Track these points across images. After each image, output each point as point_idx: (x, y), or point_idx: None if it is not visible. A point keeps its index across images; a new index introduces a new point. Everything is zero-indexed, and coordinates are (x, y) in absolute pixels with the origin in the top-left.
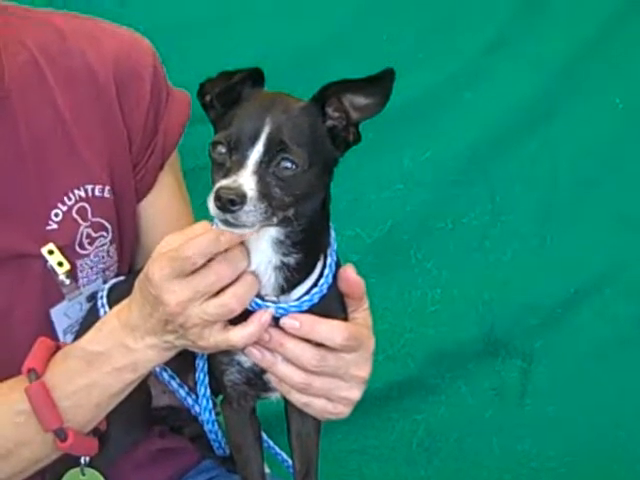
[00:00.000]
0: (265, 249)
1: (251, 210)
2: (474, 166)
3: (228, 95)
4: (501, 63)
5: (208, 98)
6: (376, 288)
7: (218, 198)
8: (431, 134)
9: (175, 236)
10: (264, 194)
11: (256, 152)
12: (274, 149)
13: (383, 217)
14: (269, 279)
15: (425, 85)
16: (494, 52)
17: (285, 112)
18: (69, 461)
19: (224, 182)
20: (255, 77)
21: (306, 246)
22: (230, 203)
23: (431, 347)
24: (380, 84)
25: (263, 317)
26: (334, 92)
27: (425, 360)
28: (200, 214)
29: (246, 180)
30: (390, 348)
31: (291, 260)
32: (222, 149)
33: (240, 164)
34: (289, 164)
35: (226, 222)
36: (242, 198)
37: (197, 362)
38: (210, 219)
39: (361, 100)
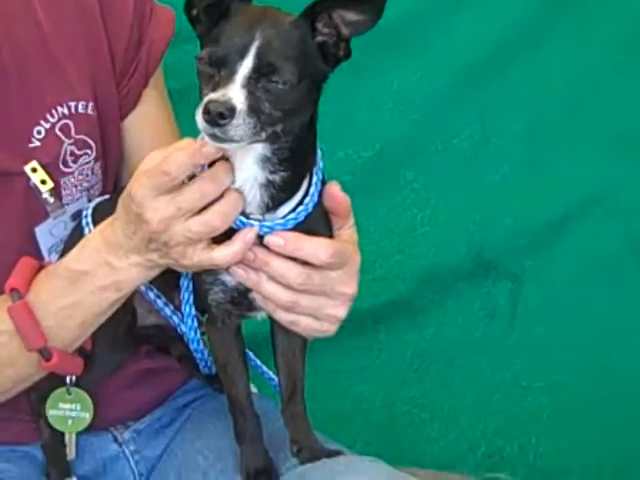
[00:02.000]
0: (251, 166)
1: (240, 124)
2: (465, 87)
3: (216, 9)
4: None
5: (195, 12)
6: (365, 209)
7: (207, 111)
8: (421, 55)
9: (158, 153)
10: (253, 108)
11: (245, 67)
12: (263, 64)
13: (373, 138)
14: (254, 197)
15: (416, 5)
16: None
17: (275, 27)
18: (55, 381)
19: (213, 95)
20: None
21: (293, 163)
22: (219, 116)
23: (420, 268)
24: (372, 1)
25: (247, 235)
26: (325, 7)
27: (414, 281)
28: (187, 134)
29: (235, 94)
30: (379, 269)
31: (277, 178)
32: (210, 64)
33: (229, 78)
34: (278, 79)
35: (214, 137)
36: (231, 111)
37: (182, 281)
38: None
39: (352, 16)
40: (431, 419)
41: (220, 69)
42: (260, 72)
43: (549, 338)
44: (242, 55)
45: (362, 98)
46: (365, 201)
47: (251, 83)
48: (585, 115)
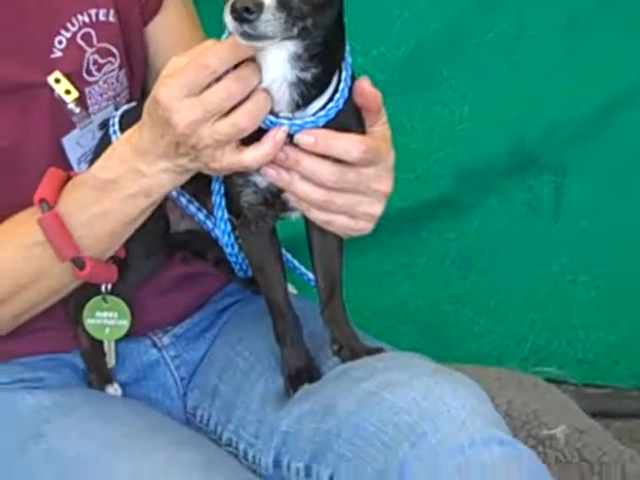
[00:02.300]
0: (282, 64)
1: (269, 19)
2: None
3: None
4: None
5: None
6: (402, 107)
7: (234, 9)
8: None
9: (181, 57)
10: (282, 3)
11: None
12: None
13: (407, 35)
14: (283, 95)
15: None
16: None
17: None
18: (91, 290)
19: None
20: None
21: (323, 59)
22: (247, 12)
23: (460, 165)
24: None
25: (277, 135)
26: None
27: (455, 178)
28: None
29: None
30: (419, 167)
31: (307, 75)
32: None
33: None
34: None
35: (245, 35)
36: (259, 6)
37: (213, 185)
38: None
39: None
40: (477, 316)
41: None
42: None
43: (594, 231)
44: None
45: None
46: (401, 99)
47: None
48: (625, 3)
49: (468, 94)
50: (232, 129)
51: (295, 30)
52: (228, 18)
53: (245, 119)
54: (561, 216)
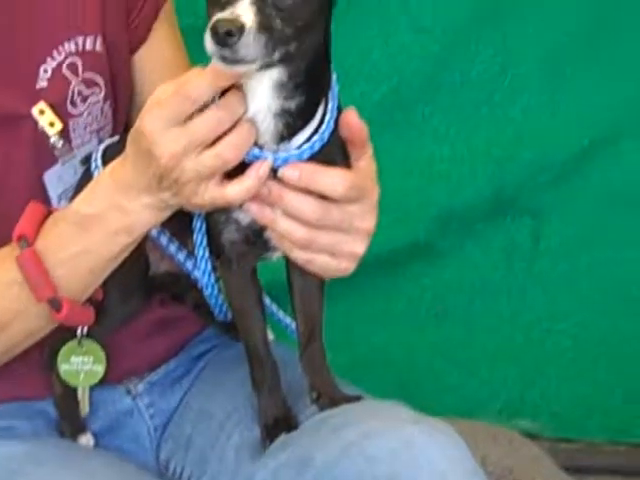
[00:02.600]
0: (265, 93)
1: (250, 42)
2: (482, 18)
3: None
4: None
5: None
6: (383, 147)
7: (214, 31)
8: None
9: (167, 85)
10: (264, 25)
11: None
12: None
13: (389, 73)
14: (268, 126)
15: None
16: None
17: None
18: (66, 334)
19: (220, 15)
20: None
21: (308, 88)
22: (227, 35)
23: (438, 208)
24: None
25: (261, 169)
26: None
27: (433, 221)
28: None
29: (244, 11)
30: (397, 209)
31: (292, 105)
32: None
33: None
34: None
35: (225, 59)
36: (240, 29)
37: (195, 222)
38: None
39: None
40: (451, 365)
41: None
42: None
43: (571, 277)
44: None
45: (378, 32)
46: (382, 138)
47: (261, 1)
48: (608, 41)
49: (448, 134)
50: (216, 161)
51: (277, 55)
52: (208, 41)
53: (229, 151)
54: (538, 261)
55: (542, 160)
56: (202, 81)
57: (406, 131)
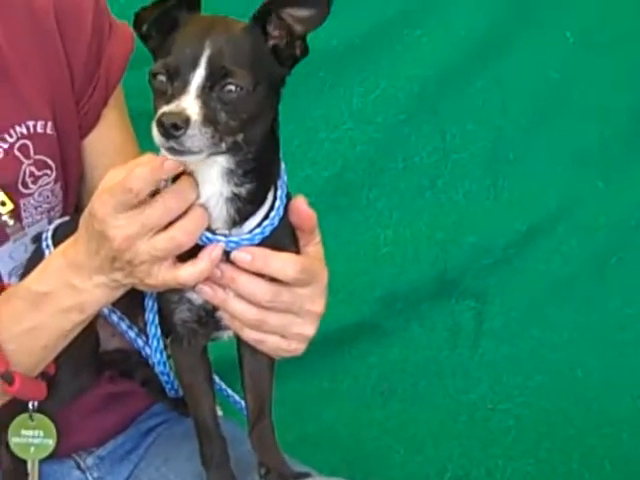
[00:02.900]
0: (215, 180)
1: (196, 134)
2: (424, 104)
3: (163, 21)
4: None
5: (145, 28)
6: (328, 230)
7: (161, 124)
8: (380, 72)
9: (119, 170)
10: (209, 118)
11: (198, 76)
12: (216, 72)
13: (334, 158)
14: (220, 211)
15: (373, 22)
16: None
17: (225, 34)
18: (17, 407)
19: (166, 108)
20: (190, 2)
21: (257, 175)
22: (173, 128)
23: (384, 289)
24: None
25: (214, 252)
26: (273, 9)
27: (378, 302)
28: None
29: (189, 104)
30: (343, 290)
31: (242, 191)
32: (162, 77)
33: (182, 90)
34: (233, 87)
35: (172, 150)
36: (185, 122)
37: (146, 301)
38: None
39: (302, 12)
40: (397, 443)
41: (173, 81)
42: (213, 80)
43: (514, 358)
44: (194, 65)
45: (322, 117)
46: (327, 221)
47: (205, 92)
48: (547, 130)
49: (392, 218)
50: (169, 244)
51: (223, 145)
52: (155, 132)
53: (183, 235)
54: (481, 343)
55: (484, 244)
56: (143, 175)
57: (350, 214)
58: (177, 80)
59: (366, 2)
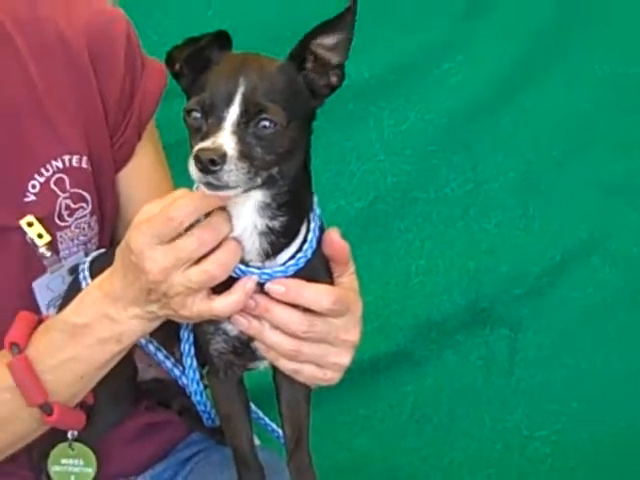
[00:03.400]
0: (250, 213)
1: (232, 169)
2: (455, 135)
3: (196, 60)
4: (479, 31)
5: (177, 66)
6: (360, 260)
7: (198, 160)
8: (410, 104)
9: (154, 204)
10: (244, 153)
11: (232, 113)
12: (251, 108)
13: (365, 189)
14: (253, 244)
15: (403, 55)
16: (471, 20)
17: (258, 70)
18: (57, 436)
19: (203, 144)
20: (222, 40)
21: (291, 209)
22: (211, 163)
23: (417, 318)
24: (342, 17)
25: (247, 284)
26: (306, 44)
27: (412, 331)
28: (182, 187)
29: (225, 140)
30: (376, 320)
31: (276, 224)
32: (197, 114)
33: (217, 126)
34: (267, 122)
35: (209, 185)
36: (222, 157)
37: (182, 333)
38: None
39: (331, 39)
40: (433, 471)
41: (208, 118)
42: (248, 117)
43: (549, 386)
44: (228, 102)
45: (353, 149)
46: (360, 252)
47: (240, 128)
48: (577, 160)
49: (424, 248)
50: (203, 277)
51: (259, 179)
52: (192, 168)
53: (216, 267)
54: (515, 371)
55: (517, 273)
56: (187, 205)
57: (382, 244)
58: (212, 117)
59: (397, 36)
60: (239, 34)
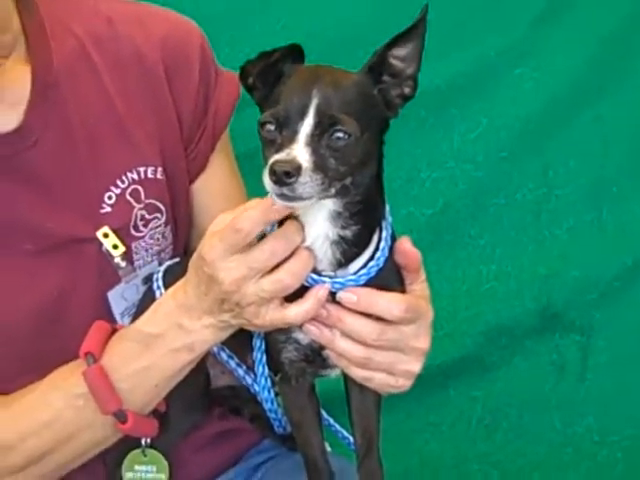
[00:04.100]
0: (322, 223)
1: (307, 181)
2: (526, 141)
3: (269, 74)
4: (552, 37)
5: (251, 80)
6: (431, 266)
7: (273, 172)
8: (481, 111)
9: (227, 215)
10: (318, 165)
11: (306, 125)
12: (324, 121)
13: (436, 195)
14: (325, 253)
15: (474, 61)
16: (543, 25)
17: (332, 83)
18: (130, 443)
19: (278, 156)
20: (294, 53)
21: (363, 218)
22: (286, 175)
23: (488, 324)
24: (415, 28)
25: (319, 293)
26: (382, 56)
27: (482, 337)
28: (254, 196)
29: (300, 152)
30: (447, 325)
31: (348, 233)
32: (271, 127)
33: (292, 138)
34: (341, 134)
35: (283, 196)
36: (297, 170)
37: (254, 341)
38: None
39: (403, 50)
40: (503, 476)
41: (282, 130)
42: (322, 129)
43: (621, 391)
44: (302, 114)
45: (423, 156)
46: (430, 258)
47: (314, 140)
48: None
49: (495, 253)
50: (276, 286)
51: (333, 190)
52: (267, 180)
53: (289, 277)
54: (587, 376)
55: (588, 278)
56: (253, 217)
57: (453, 251)
58: (286, 129)
59: (469, 42)
60: (308, 46)
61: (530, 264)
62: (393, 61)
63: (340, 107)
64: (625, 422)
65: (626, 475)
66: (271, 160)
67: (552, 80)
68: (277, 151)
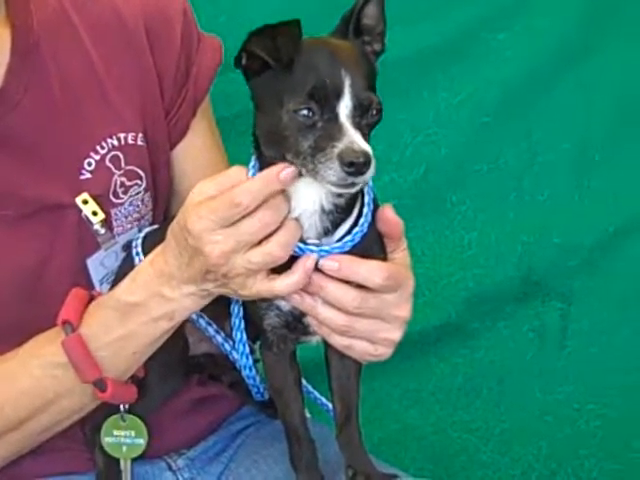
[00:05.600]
0: (315, 194)
1: (372, 169)
2: (509, 107)
3: (280, 51)
4: (535, 1)
5: (246, 57)
6: (412, 233)
7: (351, 164)
8: (464, 76)
9: (208, 182)
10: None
11: (346, 108)
12: (362, 102)
13: (418, 161)
14: (314, 223)
15: (458, 26)
16: None
17: (350, 58)
18: (109, 409)
19: (343, 145)
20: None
21: None
22: (365, 166)
23: (469, 291)
24: None
25: (307, 263)
26: (359, 17)
27: (463, 304)
28: (234, 162)
29: (358, 139)
30: (428, 293)
31: (342, 200)
32: (305, 112)
33: (337, 124)
34: (374, 112)
35: (350, 185)
36: (369, 159)
37: (232, 307)
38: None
39: (371, 10)
40: (483, 443)
41: (322, 114)
42: (361, 111)
43: (601, 359)
44: (338, 96)
45: (405, 121)
46: (411, 224)
47: (356, 122)
48: (634, 132)
49: (477, 220)
50: (265, 258)
51: None
52: (338, 170)
53: (278, 248)
54: (568, 343)
55: (570, 245)
56: (254, 188)
57: (435, 217)
58: (327, 113)
59: (452, 6)
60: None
61: (512, 231)
62: (367, 21)
63: (366, 85)
64: (604, 390)
65: (605, 442)
66: (337, 150)
67: (536, 45)
68: (324, 138)
